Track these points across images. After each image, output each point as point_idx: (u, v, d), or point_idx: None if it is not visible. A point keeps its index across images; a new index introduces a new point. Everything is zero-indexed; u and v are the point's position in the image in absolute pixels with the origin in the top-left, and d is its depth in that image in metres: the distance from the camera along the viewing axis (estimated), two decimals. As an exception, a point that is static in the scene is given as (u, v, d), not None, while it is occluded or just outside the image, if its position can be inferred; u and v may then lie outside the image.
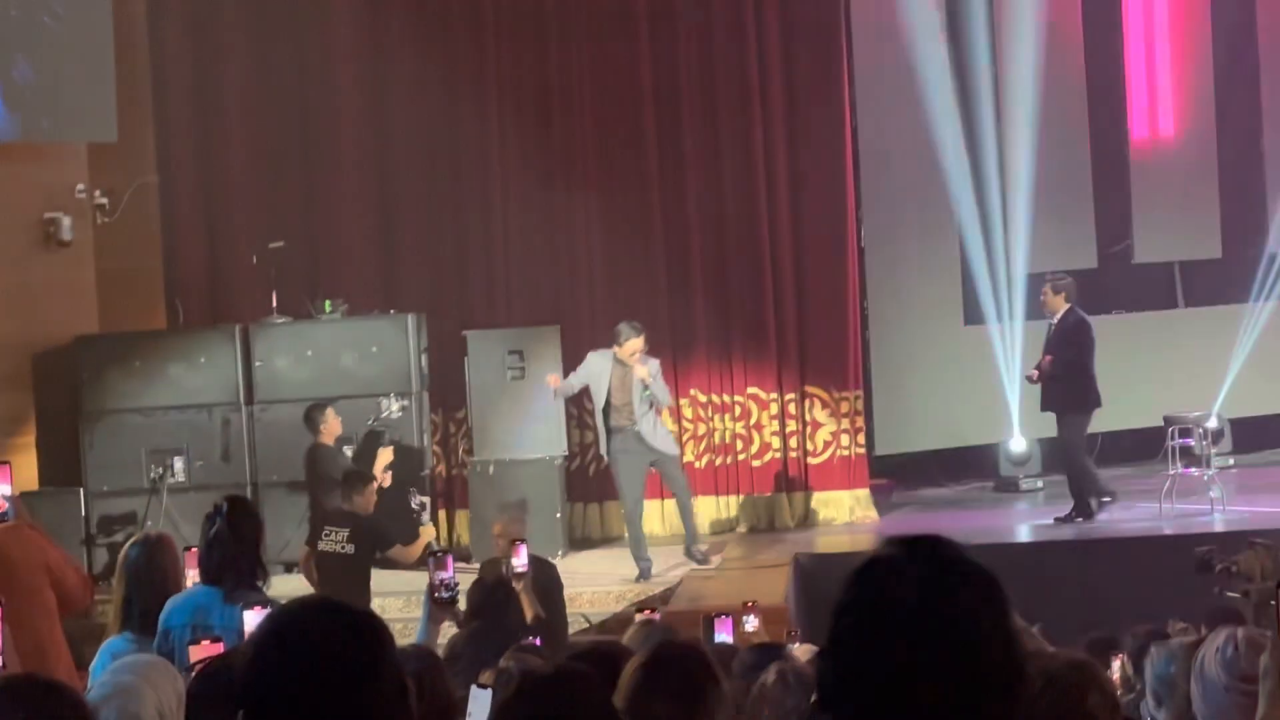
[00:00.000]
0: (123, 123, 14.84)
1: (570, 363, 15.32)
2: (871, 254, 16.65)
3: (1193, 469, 15.09)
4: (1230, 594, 9.90)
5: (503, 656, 6.23)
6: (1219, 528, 13.85)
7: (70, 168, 15.17)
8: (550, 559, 12.22)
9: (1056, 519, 14.82)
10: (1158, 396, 16.35)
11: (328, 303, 15.19)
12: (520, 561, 9.33)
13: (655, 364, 13.71)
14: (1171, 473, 14.97)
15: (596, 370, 13.72)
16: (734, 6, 16.05)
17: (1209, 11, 17.80)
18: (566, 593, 11.74)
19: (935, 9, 16.63)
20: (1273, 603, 3.94)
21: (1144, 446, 16.65)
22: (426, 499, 14.37)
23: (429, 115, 15.94)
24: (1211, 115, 17.84)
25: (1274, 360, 17.35)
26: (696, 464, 15.76)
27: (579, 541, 15.51)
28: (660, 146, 16.01)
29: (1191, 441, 15.12)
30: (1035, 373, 14.87)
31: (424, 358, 14.96)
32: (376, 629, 2.83)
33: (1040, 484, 16.81)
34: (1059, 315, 14.86)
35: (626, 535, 14.23)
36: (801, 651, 7.10)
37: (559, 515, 14.88)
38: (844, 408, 16.07)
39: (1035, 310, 17.40)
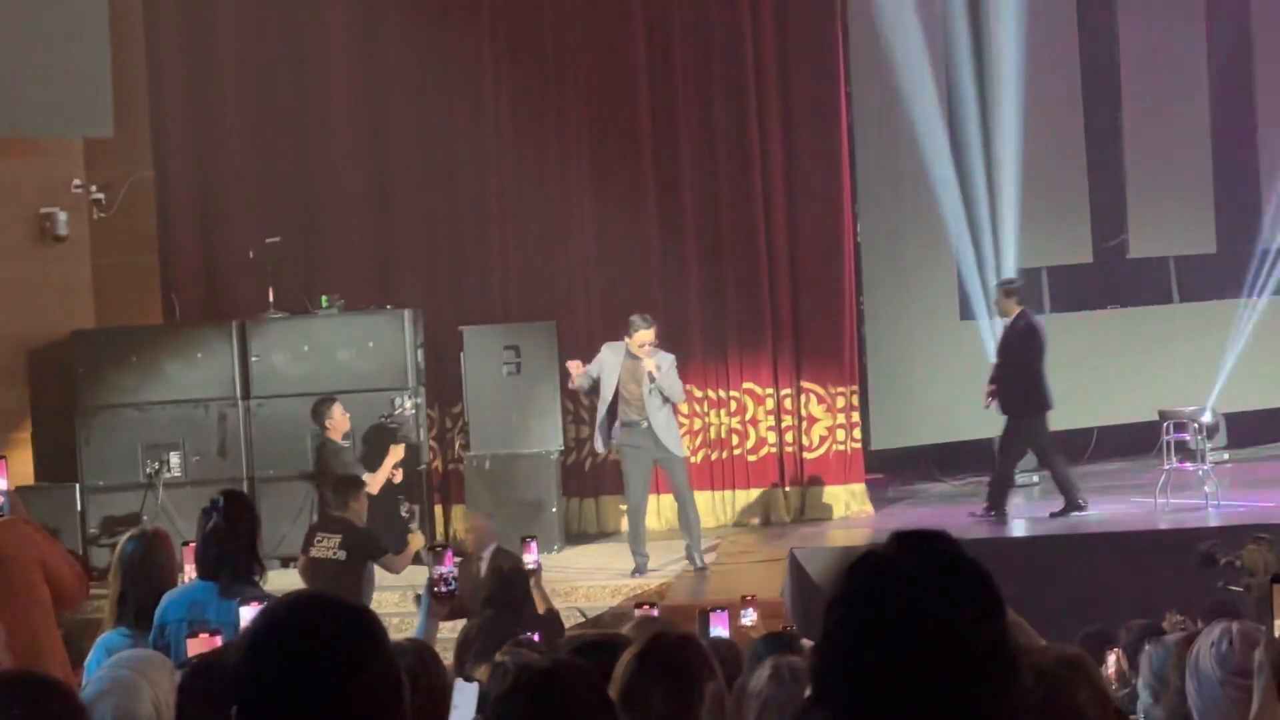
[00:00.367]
0: (119, 118, 14.83)
1: (566, 358, 15.33)
2: (867, 249, 16.65)
3: (1188, 463, 15.10)
4: (1233, 588, 9.92)
5: (487, 647, 6.24)
6: (1214, 522, 13.87)
7: (66, 163, 15.16)
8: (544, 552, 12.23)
9: (1052, 514, 14.84)
10: (1153, 391, 16.35)
11: (324, 298, 15.20)
12: (532, 558, 9.58)
13: (670, 359, 13.63)
14: (1166, 467, 14.98)
15: (609, 362, 13.66)
16: (730, 4, 16.05)
17: (1204, 6, 17.80)
18: (563, 587, 11.75)
19: (929, 4, 16.63)
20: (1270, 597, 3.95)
21: (1139, 441, 16.66)
22: (417, 506, 14.24)
23: (425, 110, 15.96)
24: (1207, 110, 17.85)
25: (1269, 355, 17.37)
26: (693, 459, 15.75)
27: (575, 536, 15.53)
28: (655, 143, 16.02)
29: (1187, 436, 15.12)
30: (988, 399, 14.93)
31: (420, 353, 14.97)
32: (369, 623, 2.84)
33: (1036, 479, 16.79)
34: (1011, 318, 14.90)
35: (625, 528, 14.22)
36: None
37: (555, 510, 14.89)
38: (840, 403, 16.09)
39: (1031, 306, 17.46)
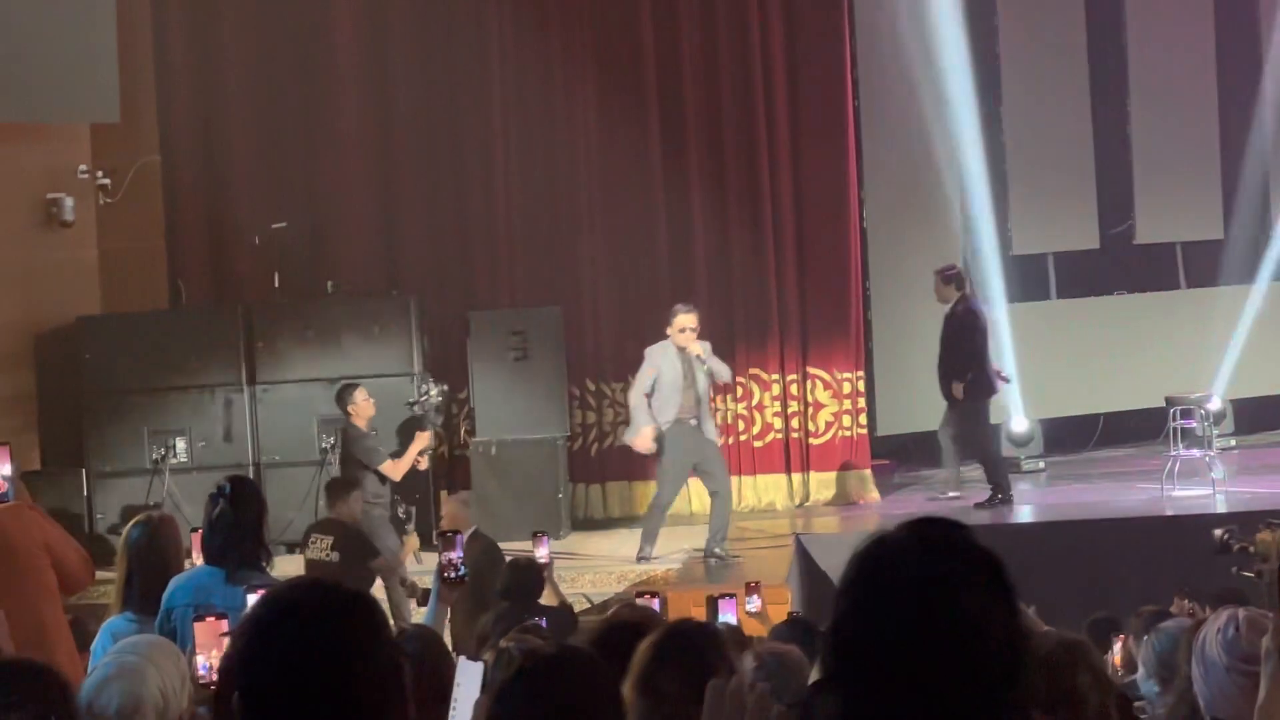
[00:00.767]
0: (125, 103, 14.83)
1: (572, 344, 15.36)
2: (874, 234, 16.63)
3: (1194, 450, 15.09)
4: (1245, 574, 9.92)
5: (504, 637, 6.23)
6: (1221, 509, 13.85)
7: (73, 148, 15.17)
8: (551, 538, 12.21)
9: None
10: (1159, 377, 16.34)
11: (330, 283, 15.20)
12: (543, 552, 9.75)
13: (707, 345, 13.37)
14: (1173, 454, 14.97)
15: (663, 362, 13.15)
16: (739, 31, 16.04)
17: (1211, -9, 17.79)
18: (569, 574, 11.74)
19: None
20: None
21: (1146, 427, 16.66)
22: (413, 507, 14.06)
23: (431, 95, 15.95)
24: (1214, 94, 17.81)
25: (1275, 341, 17.35)
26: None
27: (581, 522, 15.52)
28: (664, 132, 16.00)
29: (1193, 422, 15.11)
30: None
31: (425, 338, 14.96)
32: (370, 609, 2.84)
33: (1042, 464, 16.82)
34: (950, 305, 14.87)
35: (644, 516, 14.00)
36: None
37: (560, 495, 14.89)
38: (846, 388, 16.09)
39: (1037, 291, 17.44)
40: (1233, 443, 16.97)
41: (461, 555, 6.11)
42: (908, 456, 17.31)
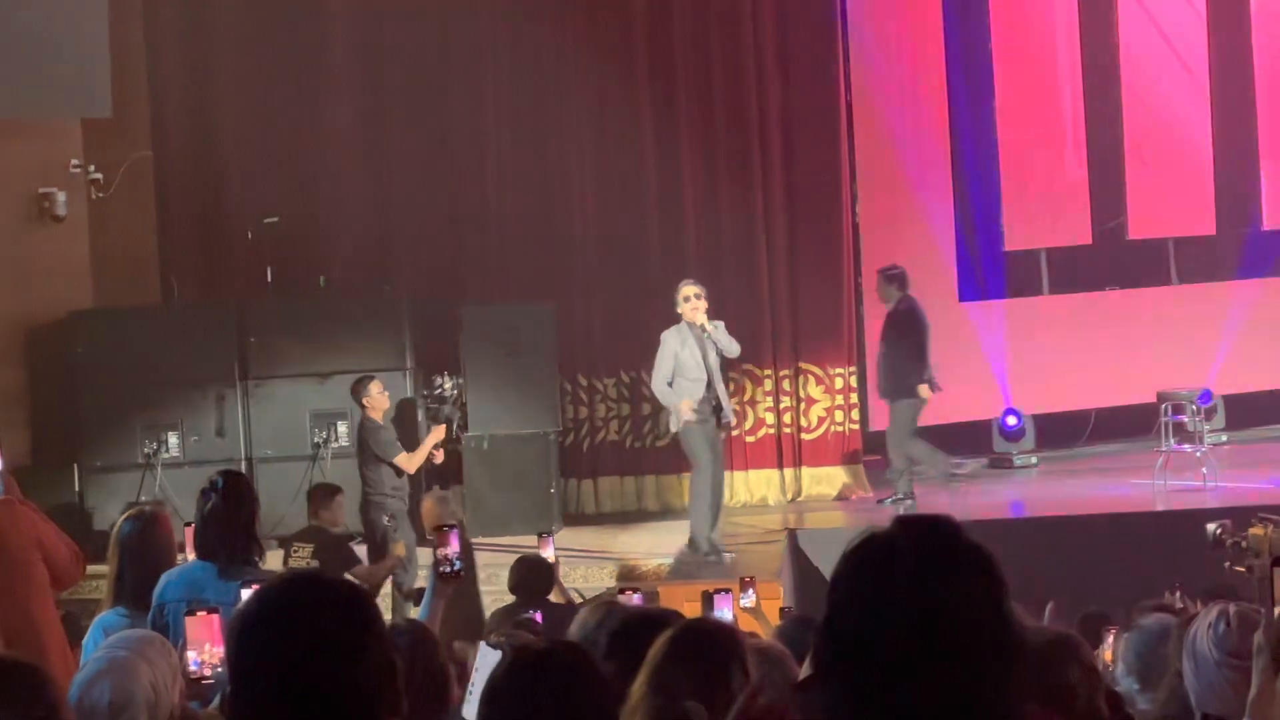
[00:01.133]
0: (117, 98, 14.81)
1: (563, 339, 15.34)
2: (866, 230, 16.64)
3: (1186, 445, 15.12)
4: (1237, 569, 9.93)
5: (494, 633, 6.24)
6: (1212, 504, 13.87)
7: (65, 143, 15.14)
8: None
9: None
10: (1151, 373, 16.36)
11: (322, 278, 15.19)
12: (550, 552, 9.82)
13: (719, 324, 13.22)
14: (1165, 449, 15.00)
15: (678, 343, 13.01)
16: (732, 27, 16.03)
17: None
18: (560, 569, 11.69)
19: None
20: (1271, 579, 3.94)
21: (1138, 423, 16.66)
22: (399, 511, 13.90)
23: (423, 90, 15.93)
24: (1206, 90, 17.83)
25: (1266, 336, 17.37)
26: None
27: (572, 517, 15.52)
28: (657, 128, 15.98)
29: (1185, 418, 15.14)
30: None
31: (417, 333, 14.95)
32: (362, 603, 2.84)
33: (1035, 460, 16.83)
34: (892, 304, 14.90)
35: (695, 508, 13.42)
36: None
37: (552, 490, 14.89)
38: (838, 384, 16.10)
39: (1029, 287, 17.46)
40: (1224, 438, 16.99)
41: (458, 550, 6.11)
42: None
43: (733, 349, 13.15)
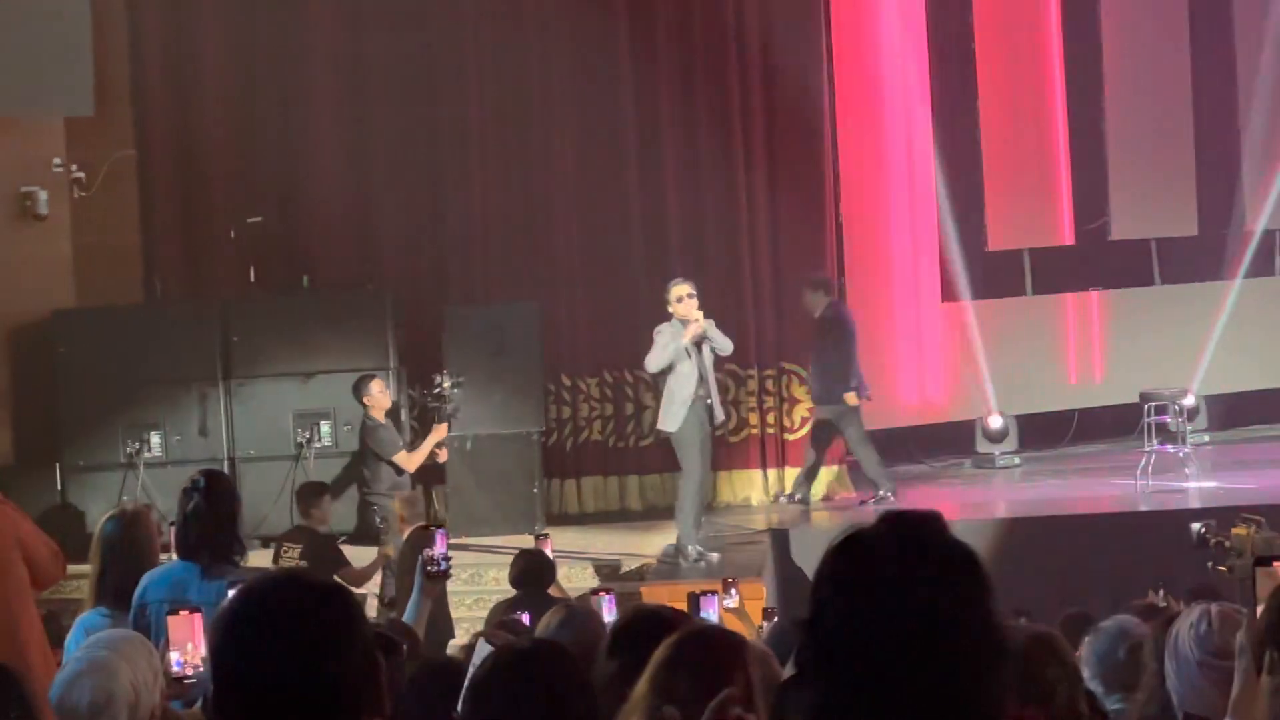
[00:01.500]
0: (100, 96, 14.80)
1: (547, 339, 15.32)
2: (850, 230, 16.64)
3: (1169, 446, 15.15)
4: (1220, 569, 9.96)
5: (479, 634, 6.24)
6: (1195, 504, 13.90)
7: (47, 141, 15.12)
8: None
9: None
10: (1134, 373, 16.39)
11: (306, 277, 15.17)
12: (548, 554, 10.00)
13: (710, 322, 13.20)
14: (1148, 449, 15.03)
15: (672, 338, 12.96)
16: (715, 25, 16.03)
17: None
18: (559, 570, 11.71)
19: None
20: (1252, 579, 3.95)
21: (1121, 423, 16.70)
22: (388, 513, 13.85)
23: (407, 90, 15.91)
24: (1188, 91, 17.86)
25: (1249, 337, 17.41)
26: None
27: (556, 518, 15.49)
28: (639, 122, 15.98)
29: (1168, 418, 15.17)
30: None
31: (401, 333, 14.94)
32: (345, 601, 2.84)
33: (1018, 460, 16.85)
34: (818, 312, 14.93)
35: (683, 511, 13.36)
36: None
37: (535, 490, 14.87)
38: (822, 384, 16.09)
39: (1012, 287, 17.48)
40: (1207, 439, 17.03)
41: (445, 551, 6.12)
42: (883, 452, 17.29)
43: (726, 346, 13.14)
